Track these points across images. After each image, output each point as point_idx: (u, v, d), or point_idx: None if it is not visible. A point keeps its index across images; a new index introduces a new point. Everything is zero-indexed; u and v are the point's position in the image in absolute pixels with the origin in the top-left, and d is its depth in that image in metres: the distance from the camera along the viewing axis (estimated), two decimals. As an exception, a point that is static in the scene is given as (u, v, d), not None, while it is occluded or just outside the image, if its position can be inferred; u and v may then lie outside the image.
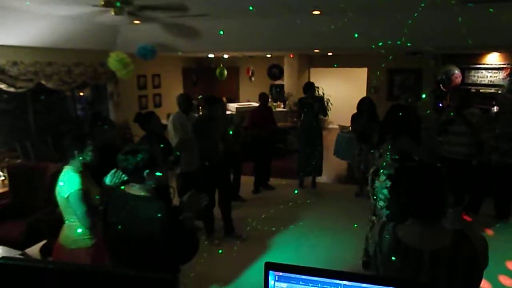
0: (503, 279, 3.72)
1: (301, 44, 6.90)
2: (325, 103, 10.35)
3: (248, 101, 10.48)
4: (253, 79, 11.30)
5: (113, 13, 4.54)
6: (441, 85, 8.78)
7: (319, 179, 6.86)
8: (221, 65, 9.43)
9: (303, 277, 1.11)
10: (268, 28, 6.48)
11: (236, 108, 9.21)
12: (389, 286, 1.04)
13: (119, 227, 1.95)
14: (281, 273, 1.13)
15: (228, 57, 10.08)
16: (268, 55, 10.52)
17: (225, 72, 9.58)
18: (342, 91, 11.46)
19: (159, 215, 1.85)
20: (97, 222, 2.52)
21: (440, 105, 8.41)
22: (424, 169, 1.58)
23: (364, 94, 10.00)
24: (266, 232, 4.85)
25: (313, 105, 6.35)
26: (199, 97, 8.98)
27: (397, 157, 2.78)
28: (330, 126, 11.75)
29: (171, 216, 1.90)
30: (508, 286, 3.66)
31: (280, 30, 6.47)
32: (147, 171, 1.99)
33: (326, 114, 6.78)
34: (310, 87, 6.48)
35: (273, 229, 4.92)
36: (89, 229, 2.59)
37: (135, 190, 2.03)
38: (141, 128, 4.20)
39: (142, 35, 6.61)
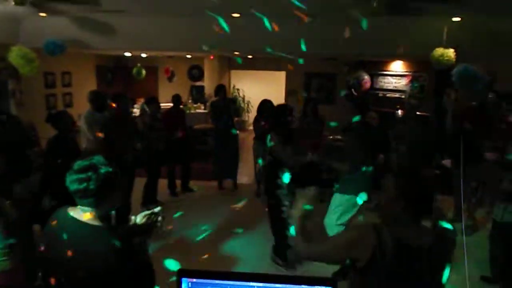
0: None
1: (220, 46, 6.88)
2: (245, 104, 10.51)
3: (168, 102, 10.19)
4: (175, 79, 11.02)
5: (13, 3, 4.11)
6: (352, 89, 9.37)
7: (241, 179, 6.89)
8: (139, 64, 9.06)
9: (217, 281, 1.08)
10: (187, 28, 6.37)
11: (155, 109, 8.91)
12: (301, 284, 1.06)
13: (68, 262, 1.56)
14: (194, 280, 1.09)
15: (147, 56, 9.73)
16: (188, 56, 10.35)
17: (143, 71, 9.24)
18: (262, 93, 11.66)
19: (116, 249, 1.51)
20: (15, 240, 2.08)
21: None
22: (418, 172, 1.72)
23: (283, 97, 10.34)
24: (185, 236, 4.74)
25: (227, 107, 6.38)
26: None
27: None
28: (251, 127, 11.91)
29: (127, 248, 1.55)
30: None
31: (199, 31, 6.39)
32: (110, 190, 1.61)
33: (238, 115, 6.85)
34: (220, 90, 6.50)
35: (193, 232, 4.82)
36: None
37: (87, 216, 1.61)
38: (54, 128, 3.94)
39: (50, 29, 6.10)
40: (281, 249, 4.03)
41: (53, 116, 4.03)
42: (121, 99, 5.23)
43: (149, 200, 5.57)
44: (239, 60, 8.42)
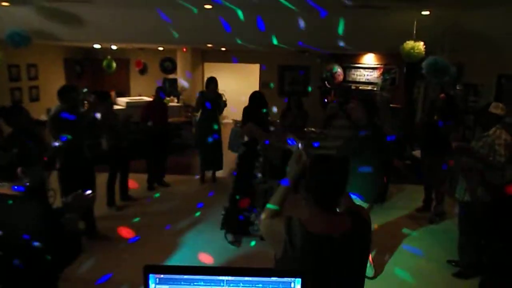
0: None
1: (192, 38, 6.80)
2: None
3: (140, 96, 10.02)
4: (148, 71, 10.80)
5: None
6: (326, 82, 9.47)
7: (218, 173, 6.86)
8: (109, 56, 8.83)
9: (185, 276, 1.06)
10: (158, 19, 6.23)
11: (127, 102, 8.72)
12: (270, 276, 1.05)
13: None
14: (162, 275, 1.06)
15: (117, 48, 9.49)
16: (160, 48, 10.17)
17: (114, 64, 9.02)
18: (236, 86, 11.62)
19: (36, 216, 1.67)
20: None
21: (325, 100, 9.09)
22: (326, 159, 1.62)
23: (257, 89, 10.31)
24: (162, 230, 4.68)
25: (216, 101, 6.33)
26: (84, 90, 8.29)
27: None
28: (225, 120, 11.85)
29: (48, 218, 1.72)
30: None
31: (170, 22, 6.28)
32: (22, 167, 1.78)
33: (221, 112, 6.80)
34: (212, 82, 6.41)
35: (168, 226, 4.76)
36: None
37: (5, 189, 1.77)
38: (6, 123, 3.71)
39: (13, 19, 5.84)
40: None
41: (5, 110, 3.73)
42: (107, 98, 5.25)
43: (111, 200, 5.44)
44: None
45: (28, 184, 1.81)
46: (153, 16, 6.13)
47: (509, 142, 3.51)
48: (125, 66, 10.75)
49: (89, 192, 2.06)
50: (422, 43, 5.39)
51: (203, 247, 4.32)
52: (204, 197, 5.66)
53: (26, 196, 1.79)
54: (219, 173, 6.87)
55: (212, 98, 6.32)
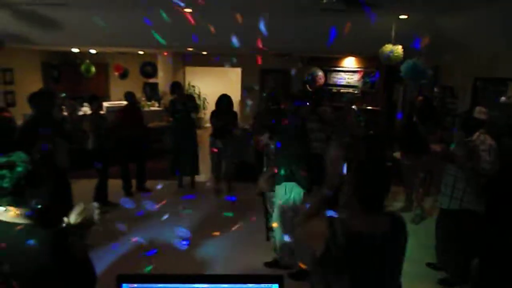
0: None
1: (173, 42, 6.73)
2: (201, 101, 10.41)
3: (121, 100, 9.86)
4: (129, 76, 10.64)
5: None
6: (307, 85, 9.52)
7: (198, 177, 6.79)
8: (88, 60, 8.68)
9: (160, 285, 1.03)
10: (136, 23, 6.16)
11: (107, 107, 8.59)
12: (247, 283, 1.03)
13: None
14: (135, 285, 1.03)
15: (96, 53, 9.34)
16: (141, 52, 10.05)
17: (93, 68, 8.86)
18: (218, 90, 11.57)
19: (47, 248, 1.42)
20: None
21: (307, 104, 9.13)
22: (371, 161, 1.69)
23: (239, 93, 10.32)
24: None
25: (185, 104, 6.28)
26: (62, 95, 8.13)
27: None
28: (208, 124, 11.79)
29: (62, 248, 1.45)
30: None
31: (150, 26, 6.21)
32: (30, 187, 1.51)
33: (197, 112, 6.77)
34: (175, 87, 6.39)
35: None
36: None
37: (10, 216, 1.50)
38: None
39: (-14, 23, 5.69)
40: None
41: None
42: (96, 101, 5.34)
43: (99, 202, 5.35)
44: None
45: (37, 207, 1.55)
46: (132, 19, 6.07)
47: (494, 147, 3.43)
48: (105, 70, 10.59)
49: (95, 206, 1.80)
50: (400, 46, 5.48)
51: (182, 254, 4.25)
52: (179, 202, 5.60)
53: (35, 222, 1.53)
54: (200, 178, 6.81)
55: (181, 103, 6.28)
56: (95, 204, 1.76)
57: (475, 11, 5.09)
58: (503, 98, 5.77)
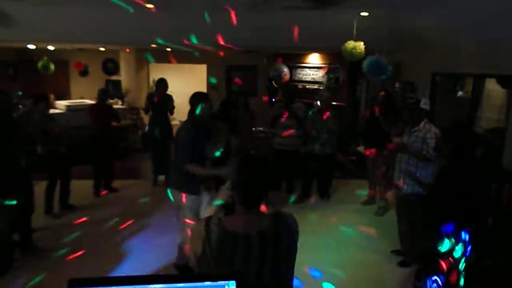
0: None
1: (135, 38, 6.59)
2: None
3: (82, 98, 9.55)
4: (90, 73, 10.31)
5: None
6: (273, 81, 9.57)
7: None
8: (45, 57, 8.32)
9: (113, 288, 0.99)
10: (97, 18, 5.98)
11: (67, 106, 8.28)
12: (203, 281, 1.01)
13: None
14: (87, 288, 0.99)
15: (54, 49, 8.98)
16: (102, 49, 9.76)
17: (51, 65, 8.50)
18: (184, 87, 11.44)
19: None
20: None
21: (273, 100, 9.18)
22: (250, 159, 1.65)
23: (205, 90, 10.22)
24: (106, 238, 4.48)
25: (165, 102, 6.21)
26: (18, 93, 7.79)
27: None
28: (173, 122, 11.62)
29: None
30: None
31: (111, 22, 6.04)
32: None
33: (172, 113, 6.69)
34: (161, 83, 6.29)
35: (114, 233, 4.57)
36: None
37: None
38: None
39: None
40: None
41: None
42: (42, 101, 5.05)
43: (49, 209, 5.15)
44: (150, 58, 8.20)
45: None
46: (92, 15, 5.88)
47: (438, 135, 3.69)
48: (64, 67, 10.19)
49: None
50: (362, 43, 5.58)
51: (151, 254, 4.18)
52: (154, 202, 5.50)
53: None
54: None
55: (161, 100, 6.19)
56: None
57: (432, 10, 5.27)
58: (460, 93, 6.02)
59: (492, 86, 5.34)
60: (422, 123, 3.87)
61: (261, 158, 1.69)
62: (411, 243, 3.98)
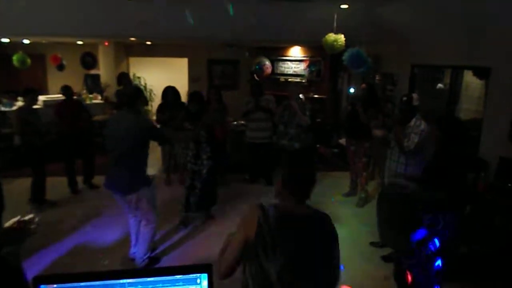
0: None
1: (114, 31, 6.46)
2: (147, 92, 10.11)
3: (60, 94, 9.32)
4: (68, 67, 10.05)
5: None
6: (255, 75, 9.53)
7: (148, 170, 6.58)
8: (21, 52, 8.08)
9: (82, 284, 0.96)
10: (74, 11, 5.84)
11: (44, 101, 8.07)
12: (175, 274, 0.99)
13: None
14: (55, 285, 0.96)
15: (30, 43, 8.73)
16: (80, 42, 9.54)
17: (28, 60, 8.26)
18: (165, 81, 11.28)
19: None
20: None
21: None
22: (301, 155, 1.77)
23: (186, 84, 10.14)
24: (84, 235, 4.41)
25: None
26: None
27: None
28: (154, 117, 11.49)
29: None
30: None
31: (89, 15, 5.91)
32: None
33: (146, 104, 6.58)
34: (122, 78, 6.18)
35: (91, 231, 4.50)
36: None
37: None
38: None
39: None
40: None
41: None
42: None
43: (36, 200, 5.09)
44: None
45: None
46: (67, 7, 5.75)
47: (425, 133, 3.67)
48: (41, 62, 9.93)
49: (31, 216, 1.67)
50: (343, 35, 5.59)
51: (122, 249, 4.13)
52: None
53: None
54: (149, 170, 6.61)
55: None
56: (31, 215, 1.66)
57: (410, 2, 5.31)
58: (439, 85, 6.10)
59: (470, 78, 5.43)
60: (414, 119, 3.80)
61: (307, 152, 1.83)
62: (390, 236, 4.01)
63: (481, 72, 4.90)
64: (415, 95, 3.91)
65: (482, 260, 3.56)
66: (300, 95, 6.15)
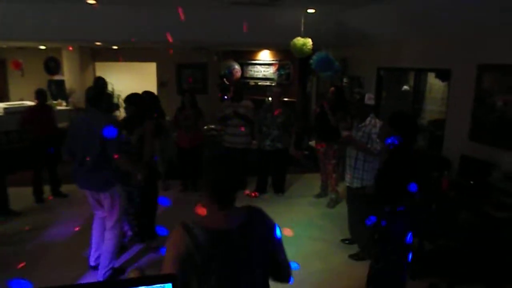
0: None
1: (75, 36, 6.29)
2: (117, 98, 9.88)
3: (22, 100, 8.99)
4: (30, 73, 9.70)
5: None
6: (224, 79, 9.51)
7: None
8: (-21, 57, 7.76)
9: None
10: (35, 15, 5.64)
11: (4, 108, 7.75)
12: (138, 286, 0.96)
13: None
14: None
15: (-12, 48, 8.40)
16: (42, 47, 9.23)
17: (-13, 65, 7.94)
18: (133, 86, 11.08)
19: None
20: None
21: (225, 97, 9.14)
22: (222, 157, 1.61)
23: (155, 88, 10.00)
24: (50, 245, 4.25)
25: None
26: None
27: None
28: (124, 123, 11.27)
29: None
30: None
31: (51, 18, 5.73)
32: None
33: (117, 109, 6.42)
34: (100, 81, 6.05)
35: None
36: None
37: None
38: None
39: None
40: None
41: None
42: None
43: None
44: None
45: None
46: (26, 10, 5.55)
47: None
48: (1, 67, 9.56)
49: None
50: (310, 39, 5.66)
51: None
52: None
53: None
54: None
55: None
56: None
57: (375, 7, 5.44)
58: (405, 87, 6.28)
59: (433, 80, 5.61)
60: (368, 118, 3.88)
61: (231, 155, 1.65)
62: (360, 234, 4.09)
63: (442, 74, 5.08)
64: (368, 95, 4.03)
65: (447, 255, 3.68)
66: (269, 98, 6.18)
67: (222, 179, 1.53)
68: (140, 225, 4.23)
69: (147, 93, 5.77)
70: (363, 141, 3.87)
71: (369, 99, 3.93)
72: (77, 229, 3.94)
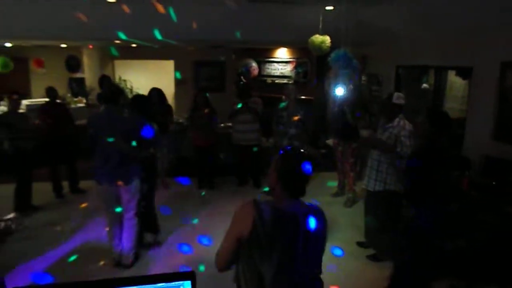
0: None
1: (96, 35, 6.38)
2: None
3: (44, 98, 9.18)
4: (52, 70, 9.90)
5: None
6: (242, 76, 9.51)
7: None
8: (3, 55, 7.93)
9: (61, 295, 0.94)
10: (55, 14, 5.74)
11: (27, 105, 7.93)
12: (156, 283, 0.97)
13: None
14: (33, 296, 0.93)
15: (12, 46, 8.58)
16: (63, 45, 9.40)
17: (11, 63, 8.11)
18: (151, 84, 11.19)
19: None
20: None
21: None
22: (298, 152, 1.77)
23: (173, 86, 10.09)
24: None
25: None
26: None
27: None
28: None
29: None
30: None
31: (70, 18, 5.82)
32: None
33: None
34: (103, 80, 6.13)
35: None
36: None
37: None
38: None
39: None
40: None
41: None
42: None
43: (21, 207, 4.97)
44: (113, 51, 8.02)
45: None
46: (49, 10, 5.65)
47: (413, 132, 3.60)
48: (24, 65, 9.76)
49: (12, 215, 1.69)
50: (328, 37, 5.61)
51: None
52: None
53: None
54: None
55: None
56: (13, 214, 1.66)
57: (395, 4, 5.36)
58: (425, 85, 6.17)
59: (454, 78, 5.50)
60: (397, 120, 3.67)
61: (305, 151, 1.80)
62: (376, 237, 4.01)
63: (463, 72, 4.97)
64: (397, 94, 3.84)
65: (467, 255, 3.60)
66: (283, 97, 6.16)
67: (296, 173, 1.67)
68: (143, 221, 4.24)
69: (155, 90, 5.88)
70: (389, 143, 3.67)
71: (398, 98, 3.73)
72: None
